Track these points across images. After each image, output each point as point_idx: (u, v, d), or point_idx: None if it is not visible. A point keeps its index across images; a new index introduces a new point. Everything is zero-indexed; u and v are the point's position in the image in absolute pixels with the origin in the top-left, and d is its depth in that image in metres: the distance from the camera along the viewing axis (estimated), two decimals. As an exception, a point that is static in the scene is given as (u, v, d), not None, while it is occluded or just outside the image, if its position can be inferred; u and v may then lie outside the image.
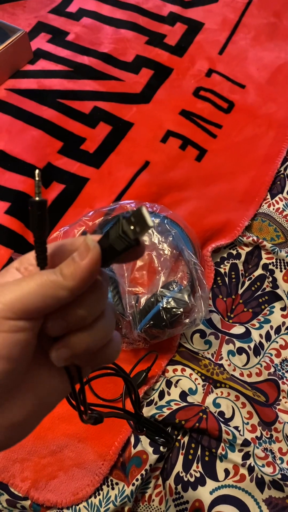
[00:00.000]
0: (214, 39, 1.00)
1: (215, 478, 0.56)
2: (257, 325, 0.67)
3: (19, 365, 0.25)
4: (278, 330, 0.67)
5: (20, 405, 0.26)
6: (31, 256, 0.26)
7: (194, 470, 0.56)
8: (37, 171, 0.24)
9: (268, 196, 0.79)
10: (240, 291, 0.70)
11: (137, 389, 0.40)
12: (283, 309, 0.68)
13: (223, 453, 0.56)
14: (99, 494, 0.55)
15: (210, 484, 0.55)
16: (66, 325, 0.25)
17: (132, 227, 0.23)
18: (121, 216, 0.23)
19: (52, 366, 0.26)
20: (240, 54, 0.99)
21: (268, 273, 0.71)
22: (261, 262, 0.72)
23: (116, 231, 0.23)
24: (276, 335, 0.66)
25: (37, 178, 0.24)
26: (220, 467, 0.56)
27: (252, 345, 0.65)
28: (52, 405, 0.28)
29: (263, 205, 0.78)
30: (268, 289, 0.70)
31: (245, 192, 0.78)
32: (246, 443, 0.56)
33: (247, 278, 0.71)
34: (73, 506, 0.54)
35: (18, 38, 0.87)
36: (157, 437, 0.44)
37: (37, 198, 0.24)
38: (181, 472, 0.56)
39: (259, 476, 0.55)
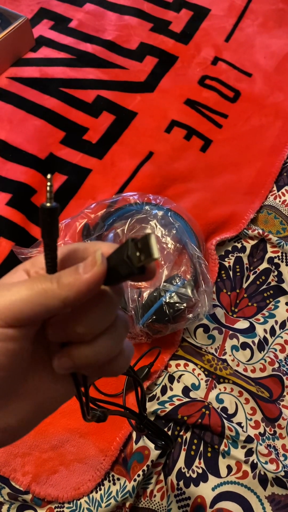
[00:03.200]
0: (221, 25, 0.98)
1: (217, 474, 0.55)
2: (262, 319, 0.66)
3: (11, 373, 0.24)
4: (283, 325, 0.66)
5: (17, 410, 0.25)
6: (44, 259, 0.25)
7: (196, 466, 0.55)
8: (49, 176, 0.23)
9: (274, 188, 0.77)
10: (244, 285, 0.69)
11: (144, 387, 0.39)
12: (288, 303, 0.67)
13: (226, 449, 0.56)
14: (100, 489, 0.55)
15: (213, 480, 0.55)
16: (66, 336, 0.24)
17: (137, 254, 0.21)
18: (130, 239, 0.22)
19: (55, 373, 0.25)
20: (247, 42, 0.96)
21: (274, 267, 0.69)
22: (266, 256, 0.70)
23: (122, 254, 0.22)
24: (281, 330, 0.65)
25: (48, 183, 0.23)
26: (222, 463, 0.56)
27: (256, 340, 0.64)
28: (52, 410, 0.27)
29: (269, 197, 0.76)
30: (273, 283, 0.68)
31: (250, 184, 0.77)
32: (249, 439, 0.56)
33: (252, 272, 0.70)
34: (74, 501, 0.54)
35: (20, 25, 0.85)
36: (157, 440, 0.44)
37: (48, 204, 0.22)
38: (183, 468, 0.55)
39: (262, 473, 0.54)
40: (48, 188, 0.23)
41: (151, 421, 0.41)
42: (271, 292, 0.68)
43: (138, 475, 0.54)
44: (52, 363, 0.25)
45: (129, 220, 0.65)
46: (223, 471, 0.55)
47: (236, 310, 0.67)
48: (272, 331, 0.65)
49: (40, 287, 0.22)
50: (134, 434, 0.57)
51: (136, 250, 0.21)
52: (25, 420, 0.26)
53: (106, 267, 0.22)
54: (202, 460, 0.56)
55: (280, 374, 0.62)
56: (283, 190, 0.77)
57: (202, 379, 0.61)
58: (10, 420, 0.25)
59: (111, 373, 0.27)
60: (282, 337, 0.65)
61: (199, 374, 0.61)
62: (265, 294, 0.68)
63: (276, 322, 0.66)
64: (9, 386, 0.24)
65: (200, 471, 0.55)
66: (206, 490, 0.54)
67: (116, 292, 0.25)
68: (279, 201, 0.75)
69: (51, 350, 0.26)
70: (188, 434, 0.57)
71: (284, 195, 0.76)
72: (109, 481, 0.55)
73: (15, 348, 0.23)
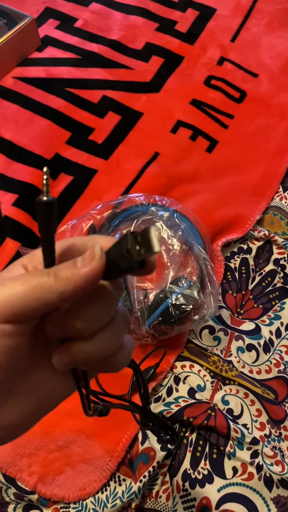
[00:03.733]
0: (226, 25, 0.98)
1: (223, 476, 0.55)
2: (267, 321, 0.66)
3: (9, 370, 0.23)
4: (288, 327, 0.66)
5: (17, 407, 0.25)
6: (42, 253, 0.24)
7: (202, 468, 0.56)
8: (45, 169, 0.22)
9: (280, 189, 0.77)
10: (250, 287, 0.69)
11: (146, 381, 0.39)
12: (294, 305, 0.67)
13: (231, 451, 0.56)
14: (106, 490, 0.55)
15: (218, 481, 0.55)
16: (65, 332, 0.24)
17: (137, 248, 0.21)
18: (129, 233, 0.21)
19: (55, 368, 0.25)
20: (253, 42, 0.96)
21: (280, 269, 0.69)
22: (272, 257, 0.70)
23: (122, 248, 0.21)
24: (287, 332, 0.65)
25: (45, 176, 0.22)
26: (228, 465, 0.56)
27: (262, 341, 0.64)
28: (52, 407, 0.27)
29: (274, 198, 0.76)
30: (279, 284, 0.68)
31: (256, 185, 0.76)
32: (254, 441, 0.56)
33: (257, 274, 0.70)
34: (80, 501, 0.54)
35: (26, 25, 0.85)
36: (162, 434, 0.44)
37: (44, 198, 0.22)
38: (189, 469, 0.55)
39: (268, 475, 0.55)
40: (44, 182, 0.22)
41: (155, 415, 0.40)
42: (277, 293, 0.68)
43: (144, 476, 0.54)
44: (52, 359, 0.25)
45: (135, 221, 0.65)
46: (228, 472, 0.55)
47: (241, 311, 0.67)
48: (278, 333, 0.65)
49: (37, 281, 0.22)
50: (140, 435, 0.57)
51: (136, 244, 0.21)
52: (26, 417, 0.26)
53: (105, 262, 0.22)
54: (207, 462, 0.56)
55: (285, 375, 0.62)
56: (289, 191, 0.76)
57: (207, 380, 0.61)
58: (11, 417, 0.25)
59: (112, 369, 0.27)
60: (287, 339, 0.65)
61: (204, 375, 0.61)
62: (271, 296, 0.68)
63: (281, 323, 0.66)
64: (9, 383, 0.24)
65: (205, 472, 0.55)
66: (211, 492, 0.54)
67: (115, 287, 0.24)
68: (285, 202, 0.75)
69: (50, 346, 0.26)
70: (194, 436, 0.58)
71: (290, 196, 0.76)
72: (115, 482, 0.55)
73: (13, 344, 0.23)
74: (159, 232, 0.64)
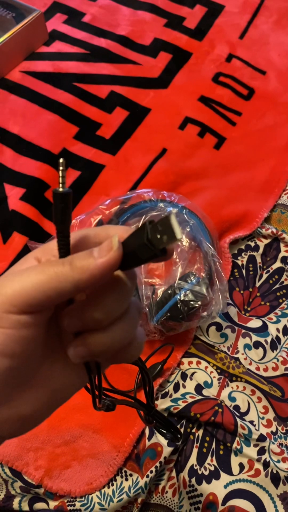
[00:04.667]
0: (235, 22, 0.97)
1: (229, 472, 0.55)
2: (274, 319, 0.66)
3: (25, 362, 0.24)
4: (295, 325, 0.66)
5: (31, 399, 0.25)
6: (55, 246, 0.24)
7: (209, 464, 0.56)
8: (61, 160, 0.22)
9: (288, 187, 0.77)
10: (257, 284, 0.69)
11: (152, 381, 0.39)
12: (301, 303, 0.67)
13: (238, 447, 0.56)
14: (112, 485, 0.55)
15: (225, 478, 0.55)
16: (82, 325, 0.24)
17: (158, 236, 0.20)
18: (147, 222, 0.21)
19: (68, 360, 0.25)
20: (261, 39, 0.95)
21: (287, 266, 0.69)
22: (280, 255, 0.70)
23: (141, 237, 0.21)
24: (293, 330, 0.65)
25: (61, 168, 0.22)
26: (234, 461, 0.56)
27: (269, 339, 0.64)
28: (66, 399, 0.28)
29: (282, 196, 0.76)
30: (286, 282, 0.68)
31: (264, 182, 0.76)
32: (261, 438, 0.56)
33: (265, 271, 0.70)
34: (86, 496, 0.54)
35: (34, 19, 0.85)
36: (165, 432, 0.44)
37: (60, 189, 0.22)
38: (195, 465, 0.55)
39: (274, 472, 0.55)
40: (60, 173, 0.22)
41: (159, 412, 0.41)
42: (284, 291, 0.68)
43: (151, 472, 0.54)
44: (68, 352, 0.25)
45: (143, 217, 0.65)
46: (235, 469, 0.55)
47: (248, 309, 0.67)
48: (285, 331, 0.65)
49: (52, 271, 0.22)
50: (147, 431, 0.57)
51: (156, 232, 0.21)
52: (39, 409, 0.26)
53: (121, 253, 0.22)
54: (214, 458, 0.56)
55: (292, 373, 0.62)
56: (296, 189, 0.76)
57: (214, 377, 0.61)
58: (24, 410, 0.25)
59: (125, 359, 0.27)
60: (294, 337, 0.65)
61: (211, 372, 0.61)
62: (278, 293, 0.68)
63: (288, 321, 0.66)
64: (23, 375, 0.24)
65: (212, 468, 0.55)
66: (218, 488, 0.54)
67: (130, 277, 0.25)
68: (293, 200, 0.75)
69: (64, 338, 0.26)
70: (200, 432, 0.58)
71: (297, 194, 0.76)
72: (122, 477, 0.55)
73: (28, 335, 0.23)
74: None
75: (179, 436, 0.43)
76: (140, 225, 0.22)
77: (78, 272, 0.22)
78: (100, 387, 0.29)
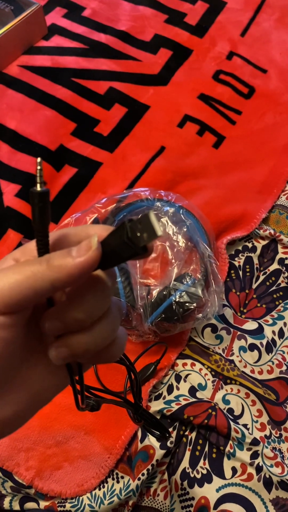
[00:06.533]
0: (237, 19, 0.96)
1: (222, 476, 0.55)
2: (270, 321, 0.65)
3: (4, 364, 0.23)
4: (291, 327, 0.65)
5: (11, 401, 0.25)
6: (35, 247, 0.24)
7: (201, 467, 0.55)
8: (38, 159, 0.22)
9: (287, 188, 0.76)
10: (254, 286, 0.68)
11: (140, 380, 0.39)
12: (297, 305, 0.66)
13: (231, 451, 0.55)
14: (103, 487, 0.54)
15: (217, 481, 0.54)
16: (64, 327, 0.24)
17: (138, 234, 0.21)
18: (126, 221, 0.21)
19: (49, 362, 0.25)
20: (263, 37, 0.94)
21: (284, 268, 0.68)
22: (277, 257, 0.69)
23: (121, 236, 0.21)
24: (289, 332, 0.65)
25: (38, 167, 0.22)
26: (227, 465, 0.55)
27: (264, 341, 0.63)
28: (48, 400, 0.27)
29: (281, 197, 0.75)
30: (283, 284, 0.68)
31: (263, 183, 0.76)
32: (255, 442, 0.55)
33: (261, 273, 0.69)
34: (77, 497, 0.54)
35: (33, 12, 0.83)
36: (154, 430, 0.43)
37: (38, 188, 0.22)
38: (188, 468, 0.55)
39: (267, 476, 0.54)
40: (38, 173, 0.22)
41: (147, 411, 0.41)
42: (281, 293, 0.67)
43: (143, 474, 0.54)
44: (49, 354, 0.24)
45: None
46: (227, 472, 0.55)
47: (244, 310, 0.66)
48: (281, 333, 0.64)
49: (29, 270, 0.22)
50: (139, 433, 0.56)
51: (136, 230, 0.21)
52: (21, 411, 0.26)
53: (100, 253, 0.22)
54: (206, 461, 0.55)
55: (287, 376, 0.61)
56: (295, 190, 0.76)
57: (209, 379, 0.60)
58: (6, 412, 0.25)
59: (107, 359, 0.27)
60: (290, 340, 0.64)
61: (206, 374, 0.61)
62: (275, 296, 0.67)
63: (285, 324, 0.65)
64: (4, 377, 0.24)
65: (204, 472, 0.55)
66: (210, 491, 0.54)
67: (110, 276, 0.25)
68: (292, 201, 0.74)
69: (44, 340, 0.26)
70: (193, 434, 0.57)
71: (296, 195, 0.75)
72: (113, 479, 0.55)
73: (7, 337, 0.23)
74: (164, 227, 0.63)
75: (167, 434, 0.43)
76: (118, 224, 0.22)
77: (55, 271, 0.21)
78: (82, 388, 0.29)
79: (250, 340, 0.63)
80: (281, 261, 0.69)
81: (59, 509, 0.53)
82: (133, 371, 0.36)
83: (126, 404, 0.38)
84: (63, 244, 0.25)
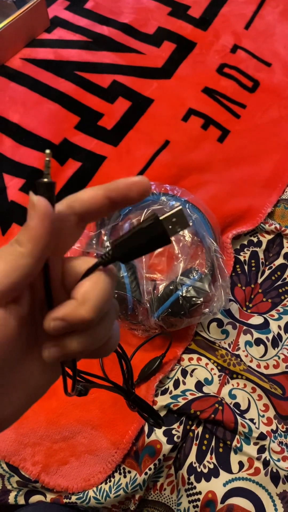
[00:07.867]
0: (241, 12, 0.95)
1: (229, 470, 0.55)
2: (276, 316, 0.65)
3: (4, 362, 0.23)
4: (297, 322, 0.65)
5: (12, 400, 0.25)
6: None
7: (208, 461, 0.55)
8: (48, 151, 0.22)
9: (292, 182, 0.76)
10: (259, 280, 0.68)
11: (130, 363, 0.39)
12: (303, 300, 0.66)
13: (238, 445, 0.55)
14: (110, 481, 0.54)
15: (224, 476, 0.54)
16: (69, 327, 0.23)
17: (170, 227, 0.23)
18: (155, 216, 0.23)
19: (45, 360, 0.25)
20: (267, 30, 0.93)
21: (290, 263, 0.68)
22: (283, 251, 0.69)
23: (154, 229, 0.23)
24: (295, 327, 0.64)
25: (47, 158, 0.22)
26: (234, 459, 0.55)
27: (270, 336, 0.63)
28: (40, 396, 0.27)
29: (286, 191, 0.75)
30: (288, 279, 0.67)
31: (268, 177, 0.75)
32: (262, 436, 0.55)
33: (267, 267, 0.69)
34: (83, 491, 0.54)
35: (35, 4, 0.82)
36: (147, 417, 0.43)
37: (45, 180, 0.22)
38: (195, 463, 0.55)
39: (274, 470, 0.54)
40: (46, 163, 0.22)
41: (139, 397, 0.40)
42: (286, 288, 0.67)
43: (150, 469, 0.54)
44: (43, 353, 0.24)
45: (145, 211, 0.64)
46: (234, 467, 0.55)
47: (250, 305, 0.66)
48: (286, 328, 0.64)
49: (7, 253, 0.22)
50: (146, 428, 0.56)
51: (169, 224, 0.23)
52: (19, 410, 0.26)
53: (47, 204, 0.21)
54: (213, 456, 0.55)
55: (293, 371, 0.61)
56: (300, 184, 0.75)
57: (215, 374, 0.60)
58: (6, 413, 0.25)
59: (101, 355, 0.27)
60: (296, 334, 0.64)
61: (212, 369, 0.61)
62: (280, 290, 0.67)
63: (290, 318, 0.65)
64: (3, 376, 0.24)
65: (211, 466, 0.55)
66: (217, 486, 0.54)
67: (114, 274, 0.25)
68: (297, 195, 0.74)
69: (39, 338, 0.26)
70: (200, 429, 0.57)
71: (301, 189, 0.75)
72: (120, 474, 0.55)
73: (3, 331, 0.22)
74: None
75: (160, 421, 0.43)
76: (145, 218, 0.23)
77: (25, 243, 0.21)
78: (74, 377, 0.29)
79: (256, 335, 0.63)
80: (286, 256, 0.69)
81: (65, 500, 0.53)
82: (123, 358, 0.36)
83: (116, 389, 0.38)
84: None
